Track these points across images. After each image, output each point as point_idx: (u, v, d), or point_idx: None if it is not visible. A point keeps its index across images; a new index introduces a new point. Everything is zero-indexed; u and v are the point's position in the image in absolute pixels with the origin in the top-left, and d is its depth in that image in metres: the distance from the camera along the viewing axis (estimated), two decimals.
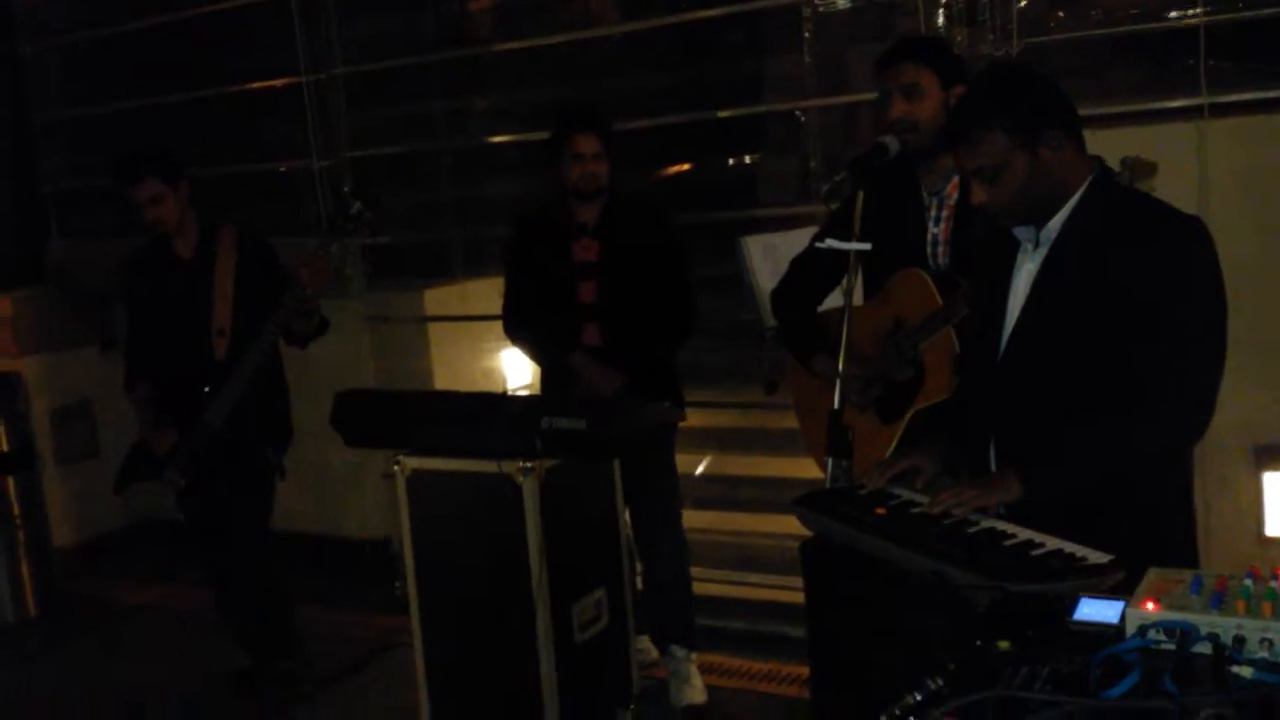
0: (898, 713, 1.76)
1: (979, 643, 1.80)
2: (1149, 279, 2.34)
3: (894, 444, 3.21)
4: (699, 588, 4.44)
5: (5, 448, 5.69)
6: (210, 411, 4.27)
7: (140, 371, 4.53)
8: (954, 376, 3.01)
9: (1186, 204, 2.55)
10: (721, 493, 5.31)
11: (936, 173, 3.18)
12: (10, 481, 5.69)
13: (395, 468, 3.90)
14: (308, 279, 4.15)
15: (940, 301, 3.03)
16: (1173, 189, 2.67)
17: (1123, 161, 2.62)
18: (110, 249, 5.85)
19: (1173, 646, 1.69)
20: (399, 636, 4.71)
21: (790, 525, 4.53)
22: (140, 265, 4.54)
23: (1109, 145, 2.66)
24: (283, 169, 6.06)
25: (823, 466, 2.95)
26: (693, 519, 4.54)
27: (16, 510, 5.69)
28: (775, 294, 3.64)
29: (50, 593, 5.80)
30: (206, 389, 4.28)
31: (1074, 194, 2.45)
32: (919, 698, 1.75)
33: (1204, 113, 3.71)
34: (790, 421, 4.14)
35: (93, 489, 6.14)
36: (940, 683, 1.75)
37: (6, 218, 6.64)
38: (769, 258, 4.05)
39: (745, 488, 5.31)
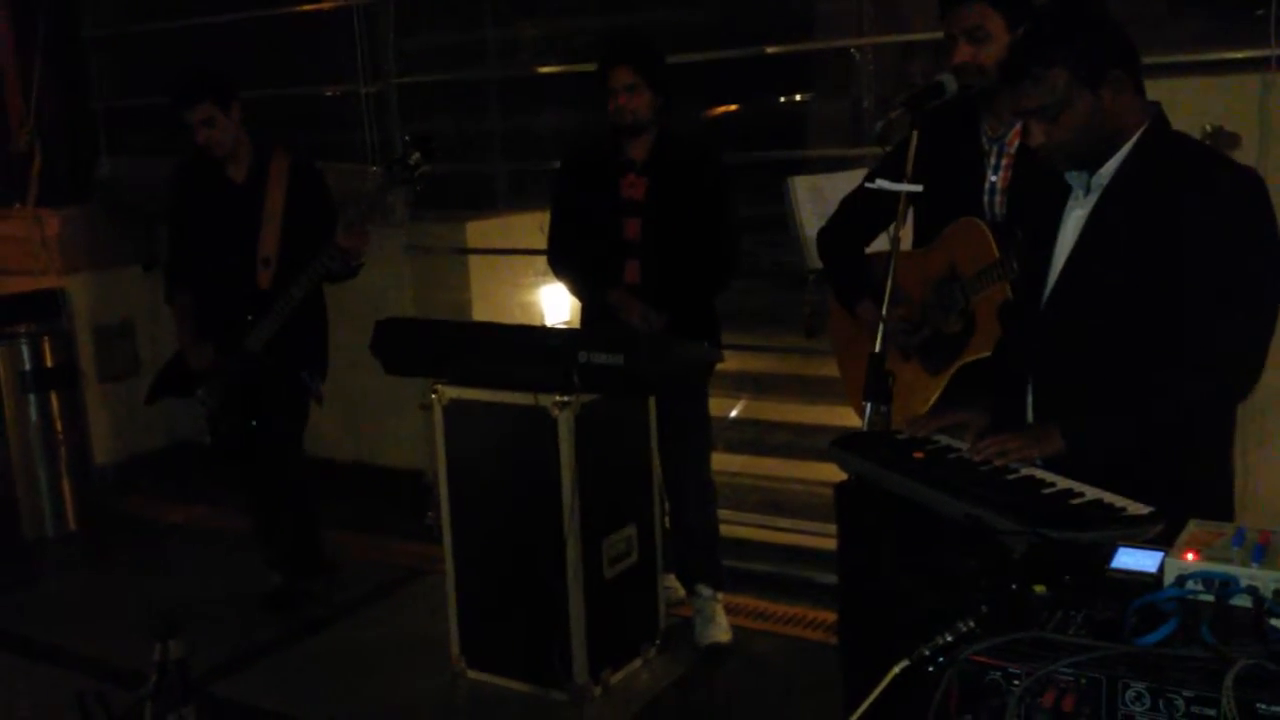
0: (927, 652, 1.75)
1: (1014, 586, 1.78)
2: (1200, 229, 2.30)
3: (937, 396, 3.17)
4: (728, 530, 4.45)
5: (50, 364, 5.76)
6: (249, 339, 4.31)
7: (182, 284, 4.57)
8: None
9: (1247, 157, 2.49)
10: (754, 437, 5.30)
11: (999, 119, 3.09)
12: (54, 398, 5.76)
13: (433, 397, 3.92)
14: (346, 244, 4.16)
15: (998, 254, 2.97)
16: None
17: (1204, 130, 2.55)
18: (158, 168, 5.88)
19: (1211, 598, 1.67)
20: (430, 564, 4.77)
21: (821, 471, 4.57)
22: (190, 182, 4.56)
23: (1171, 95, 2.60)
24: (330, 93, 6.05)
25: (861, 412, 2.91)
26: (724, 462, 4.54)
27: (59, 427, 5.77)
28: (822, 235, 3.58)
29: (90, 509, 5.88)
30: (248, 317, 4.31)
31: (1130, 139, 2.40)
32: (949, 638, 1.74)
33: (1271, 64, 3.60)
34: (827, 369, 4.12)
35: (134, 408, 6.21)
36: (972, 624, 1.74)
37: (58, 134, 6.66)
38: (816, 200, 4.00)
39: (778, 433, 5.30)
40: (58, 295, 6.05)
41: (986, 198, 3.13)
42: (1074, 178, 2.48)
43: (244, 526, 4.96)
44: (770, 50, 5.03)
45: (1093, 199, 2.45)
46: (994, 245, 2.98)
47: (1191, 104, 2.66)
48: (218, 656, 4.18)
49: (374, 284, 4.94)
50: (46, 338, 5.77)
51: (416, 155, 4.10)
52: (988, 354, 2.99)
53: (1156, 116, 2.43)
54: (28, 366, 5.69)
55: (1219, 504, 2.48)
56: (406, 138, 4.24)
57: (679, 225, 4.04)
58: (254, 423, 4.43)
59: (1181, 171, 2.36)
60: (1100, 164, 2.42)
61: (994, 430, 2.51)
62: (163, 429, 6.55)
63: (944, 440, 2.54)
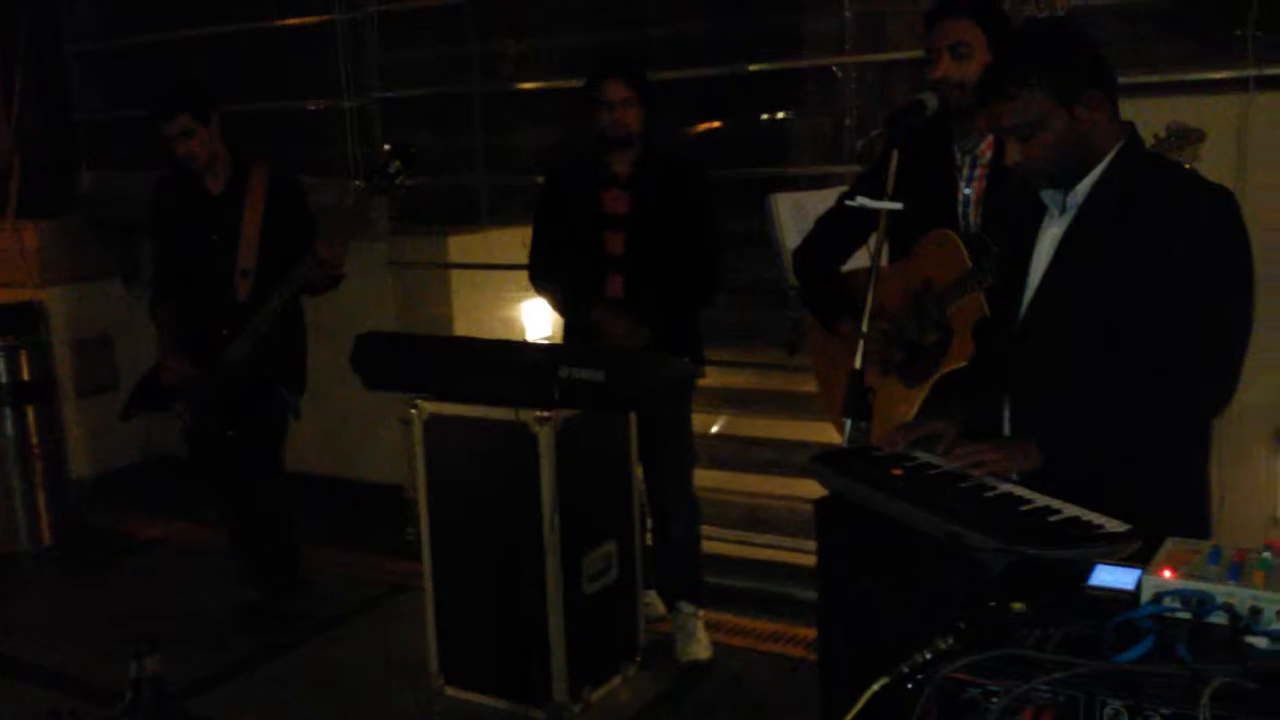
0: (906, 670, 1.75)
1: (992, 604, 1.79)
2: (1173, 247, 2.31)
3: (918, 408, 3.18)
4: (708, 546, 4.45)
5: (26, 377, 5.72)
6: (228, 352, 4.29)
7: (166, 295, 4.55)
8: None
9: (1225, 177, 2.51)
10: (735, 452, 5.29)
11: (972, 131, 3.12)
12: (30, 412, 5.72)
13: (413, 411, 3.91)
14: (326, 255, 4.15)
15: (970, 264, 2.99)
16: (1212, 161, 2.62)
17: (1168, 127, 2.57)
18: (139, 181, 5.84)
19: (1188, 616, 1.68)
20: (409, 580, 4.75)
21: (802, 488, 4.57)
22: (169, 194, 4.55)
23: (1151, 114, 2.62)
24: (312, 107, 6.04)
25: (840, 428, 2.92)
26: (705, 478, 4.53)
27: (35, 441, 5.73)
28: (798, 253, 3.60)
29: (66, 524, 5.84)
30: (225, 331, 4.29)
31: (1104, 158, 2.42)
32: (928, 655, 1.74)
33: (1249, 85, 3.63)
34: (808, 385, 4.12)
35: (110, 422, 6.14)
36: (951, 642, 1.74)
37: (39, 147, 6.62)
38: (798, 216, 4.01)
39: (759, 449, 5.29)
40: (36, 308, 6.01)
41: (961, 209, 3.15)
42: (1049, 196, 2.50)
43: (221, 542, 4.92)
44: (753, 68, 5.05)
45: (1067, 218, 2.47)
46: (966, 256, 3.00)
47: (1163, 123, 2.67)
48: (194, 673, 4.15)
49: (355, 298, 4.92)
50: (24, 351, 5.72)
51: (396, 164, 4.10)
52: (964, 365, 3.01)
53: (1131, 136, 2.45)
54: (4, 380, 5.65)
55: (1196, 521, 2.49)
56: (387, 147, 4.24)
57: (662, 240, 4.05)
58: (231, 433, 4.40)
59: (1154, 190, 2.38)
60: (1075, 183, 2.44)
61: (967, 439, 2.52)
62: (138, 443, 6.51)
63: (924, 457, 2.54)
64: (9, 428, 5.67)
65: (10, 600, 5.20)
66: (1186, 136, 2.60)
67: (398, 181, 4.11)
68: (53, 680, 4.22)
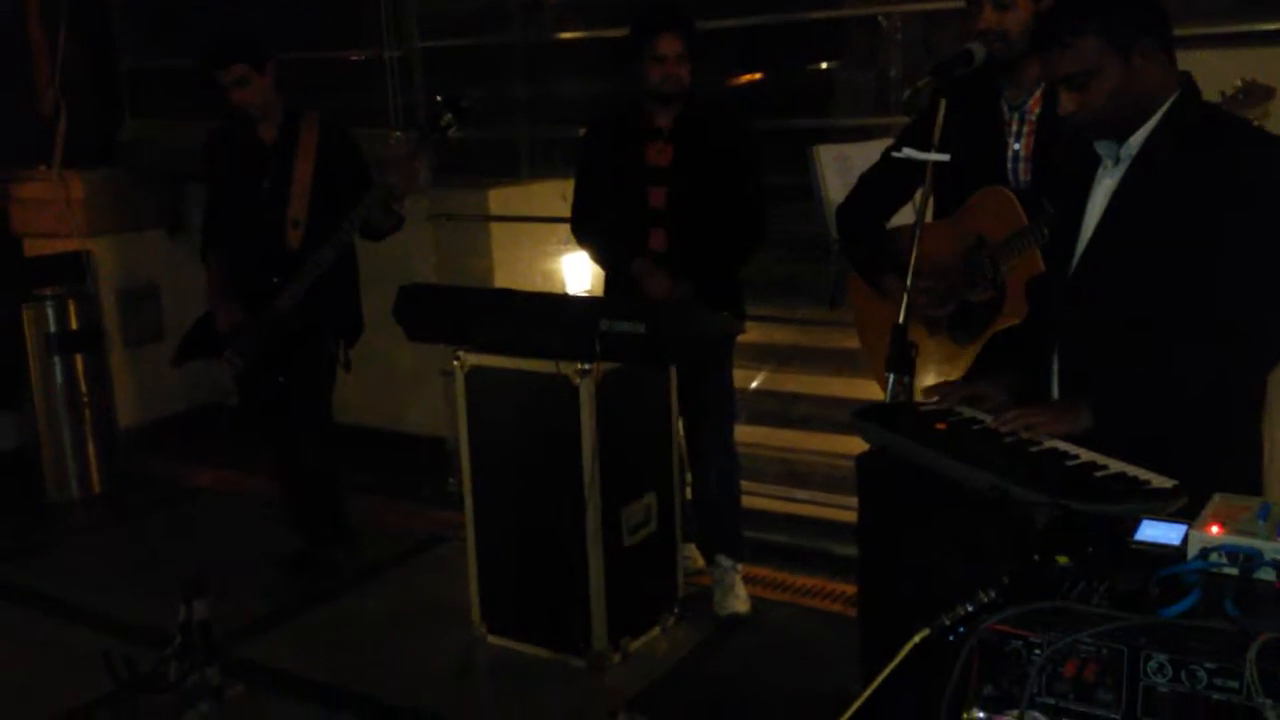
0: (948, 622, 1.75)
1: (1036, 557, 1.78)
2: (1230, 199, 2.28)
3: (968, 365, 3.15)
4: (747, 501, 4.45)
5: (75, 326, 5.79)
6: (279, 300, 4.32)
7: (216, 243, 4.58)
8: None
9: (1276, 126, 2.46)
10: (775, 408, 5.29)
11: (1020, 86, 3.07)
12: (79, 361, 5.80)
13: (455, 363, 3.93)
14: (398, 178, 4.15)
15: (1026, 221, 2.94)
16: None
17: (1238, 83, 2.52)
18: (183, 131, 5.88)
19: (1234, 571, 1.67)
20: (451, 530, 4.80)
21: (842, 444, 4.56)
22: (222, 142, 4.56)
23: (1202, 68, 2.56)
24: (354, 57, 6.03)
25: (883, 384, 2.90)
26: (745, 433, 4.53)
27: (84, 390, 5.81)
28: (842, 210, 3.55)
29: (114, 472, 5.93)
30: (276, 279, 4.32)
31: (1159, 109, 2.38)
32: (970, 608, 1.74)
33: None
34: (849, 341, 4.10)
35: (158, 371, 6.26)
36: (993, 594, 1.74)
37: (84, 97, 6.66)
38: (841, 169, 3.97)
39: (799, 404, 5.28)
40: (83, 257, 6.09)
41: (1010, 165, 3.11)
42: (1103, 147, 2.46)
43: (268, 489, 4.99)
44: (797, 17, 4.98)
45: (1122, 168, 2.43)
46: (1022, 212, 2.96)
47: (1221, 75, 2.62)
48: (240, 619, 4.22)
49: (395, 250, 4.94)
50: (72, 300, 5.80)
51: (448, 116, 4.10)
52: (1017, 322, 2.97)
53: (1187, 86, 2.40)
54: (53, 329, 5.72)
55: (1246, 479, 2.47)
56: (439, 98, 4.23)
57: (705, 194, 4.02)
58: (282, 379, 4.44)
59: (1211, 142, 2.33)
60: (1130, 133, 2.40)
61: (1014, 403, 2.50)
62: (185, 392, 6.59)
63: (967, 412, 2.53)
64: (58, 376, 5.75)
65: (61, 546, 5.30)
66: (1256, 94, 2.54)
67: (450, 134, 4.11)
68: (103, 624, 4.31)
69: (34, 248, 6.36)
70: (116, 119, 6.88)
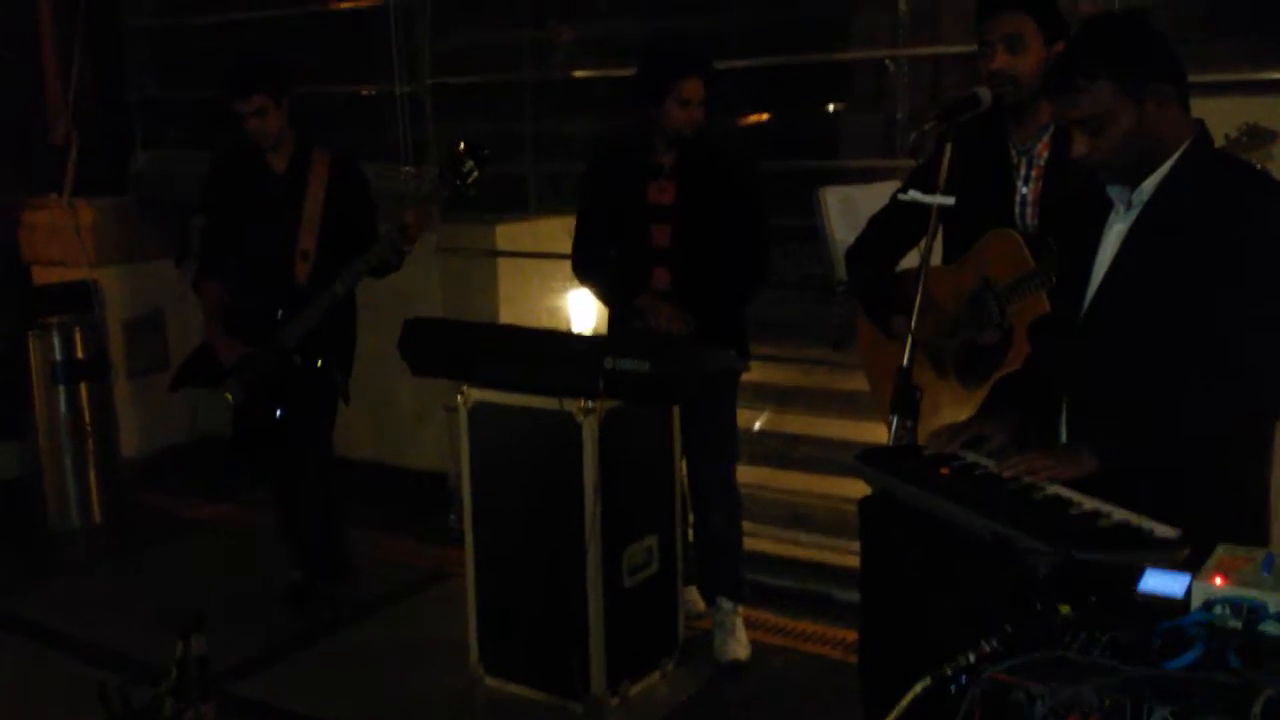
0: (949, 671, 1.73)
1: (1038, 606, 1.76)
2: (1242, 247, 2.27)
3: (975, 409, 3.13)
4: (749, 543, 4.42)
5: (81, 355, 5.79)
6: (284, 333, 4.31)
7: (213, 271, 4.57)
8: None
9: None
10: (778, 449, 5.27)
11: (1028, 130, 3.08)
12: (83, 390, 5.79)
13: (458, 399, 3.92)
14: (413, 223, 4.16)
15: (1033, 264, 2.94)
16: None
17: (1241, 127, 2.52)
18: (192, 161, 5.90)
19: (1238, 625, 1.64)
20: (451, 567, 4.77)
21: (844, 487, 4.53)
22: (231, 169, 4.57)
23: (1208, 114, 2.56)
24: (364, 92, 6.07)
25: (890, 426, 2.89)
26: (747, 474, 4.51)
27: (88, 419, 5.80)
28: (850, 252, 3.55)
29: (116, 502, 5.91)
30: (280, 311, 4.32)
31: (1173, 154, 2.37)
32: (972, 657, 1.72)
33: None
34: (853, 383, 4.09)
35: (161, 402, 6.25)
36: (995, 644, 1.72)
37: (95, 127, 6.71)
38: (846, 211, 3.98)
39: (802, 446, 5.26)
40: (90, 286, 6.10)
41: (1018, 209, 3.10)
42: (1115, 191, 2.45)
43: (267, 524, 4.97)
44: (805, 59, 5.01)
45: (1133, 214, 2.42)
46: (1029, 255, 2.95)
47: (1228, 122, 2.62)
48: (238, 654, 4.18)
49: (402, 285, 4.95)
50: (78, 329, 5.80)
51: (469, 164, 4.12)
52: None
53: (1200, 133, 2.40)
54: (59, 357, 5.72)
55: (1253, 529, 2.44)
56: (461, 145, 4.23)
57: (708, 232, 4.01)
58: (279, 413, 4.43)
59: (1223, 189, 2.33)
60: (1142, 178, 2.39)
61: (1015, 443, 2.48)
62: (187, 423, 6.58)
63: (970, 457, 2.51)
64: (63, 405, 5.74)
65: (60, 577, 5.28)
66: (1259, 137, 2.54)
67: (470, 181, 4.13)
68: (100, 657, 4.27)
69: (43, 275, 6.39)
70: (128, 149, 6.93)
